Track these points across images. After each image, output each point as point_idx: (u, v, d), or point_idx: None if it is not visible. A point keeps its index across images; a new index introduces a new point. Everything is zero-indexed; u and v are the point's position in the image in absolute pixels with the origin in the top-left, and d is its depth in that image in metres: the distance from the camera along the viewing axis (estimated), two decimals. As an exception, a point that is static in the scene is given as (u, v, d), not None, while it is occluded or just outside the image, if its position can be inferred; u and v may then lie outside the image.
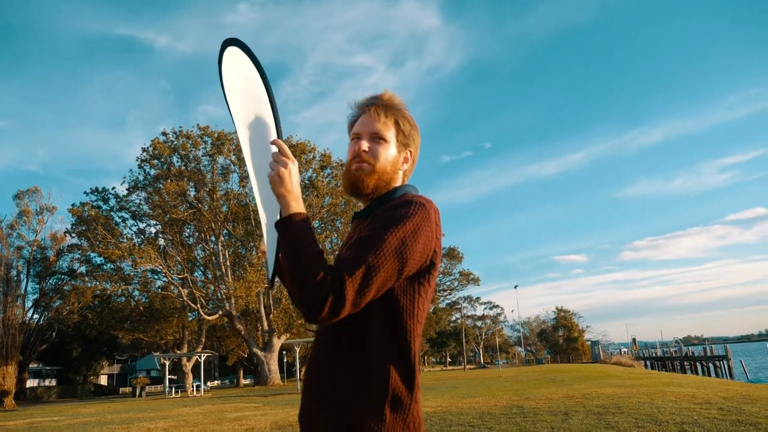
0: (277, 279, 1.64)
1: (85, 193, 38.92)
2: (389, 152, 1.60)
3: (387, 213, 1.43)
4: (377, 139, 1.59)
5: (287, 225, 1.37)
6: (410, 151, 1.67)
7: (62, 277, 45.30)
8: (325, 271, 1.28)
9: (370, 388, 1.36)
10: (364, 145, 1.58)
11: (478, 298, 76.69)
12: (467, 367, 63.04)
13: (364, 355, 1.38)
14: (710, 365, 49.60)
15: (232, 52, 1.53)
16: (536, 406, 11.24)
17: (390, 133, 1.61)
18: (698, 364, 51.25)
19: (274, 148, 1.46)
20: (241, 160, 36.46)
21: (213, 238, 38.02)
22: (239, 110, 1.55)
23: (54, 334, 48.95)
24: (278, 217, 1.42)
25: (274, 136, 1.53)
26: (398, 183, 1.64)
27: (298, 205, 1.40)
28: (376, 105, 1.62)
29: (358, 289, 1.28)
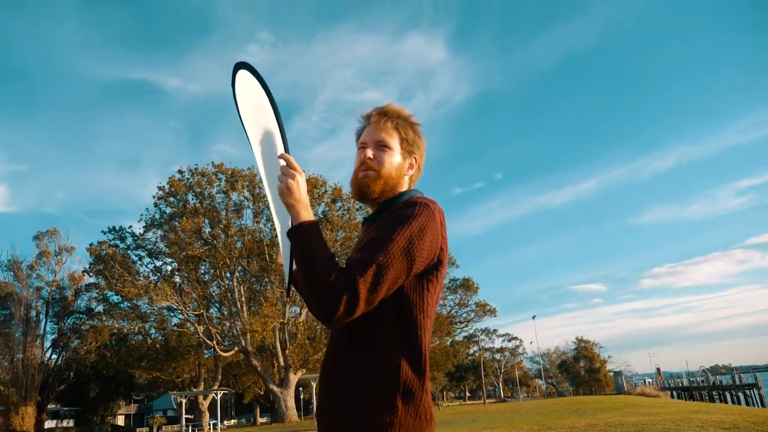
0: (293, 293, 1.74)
1: (102, 232, 39.42)
2: (394, 159, 1.69)
3: (393, 215, 1.51)
4: (381, 147, 1.69)
5: (298, 232, 1.46)
6: (415, 158, 1.75)
7: (80, 316, 45.67)
8: (338, 273, 1.36)
9: (381, 382, 1.42)
10: (369, 152, 1.68)
11: (495, 330, 75.89)
12: (487, 401, 61.93)
13: (376, 350, 1.45)
14: (740, 394, 48.21)
15: (243, 75, 1.66)
16: (557, 435, 10.95)
17: (394, 141, 1.70)
18: (727, 393, 49.84)
19: (282, 162, 1.58)
20: (255, 196, 36.81)
21: (228, 275, 38.11)
22: (252, 129, 1.66)
23: (72, 374, 49.09)
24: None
25: (281, 150, 1.64)
26: (404, 188, 1.73)
27: (307, 214, 1.49)
28: (381, 115, 1.72)
29: (371, 288, 1.36)
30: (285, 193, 1.50)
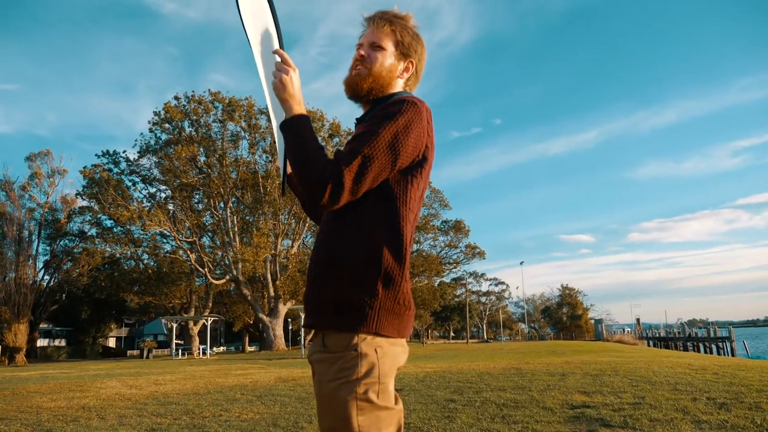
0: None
1: (96, 155, 39.18)
2: (386, 59, 1.72)
3: (381, 111, 1.56)
4: (375, 47, 1.72)
5: (289, 124, 1.54)
6: (411, 62, 1.78)
7: (73, 239, 45.85)
8: (325, 162, 1.45)
9: (363, 267, 1.49)
10: (362, 51, 1.73)
11: (483, 274, 77.07)
12: (470, 341, 63.55)
13: (359, 238, 1.52)
14: (713, 346, 49.80)
15: None
16: (534, 368, 11.45)
17: (388, 42, 1.73)
18: (701, 345, 51.45)
19: (277, 58, 1.64)
20: (251, 127, 36.54)
21: (222, 205, 38.26)
22: (251, 28, 1.68)
23: (64, 295, 49.71)
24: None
25: (277, 47, 1.69)
26: (397, 90, 1.76)
27: (299, 108, 1.57)
28: (379, 17, 1.75)
29: (355, 178, 1.43)
30: (279, 88, 1.57)
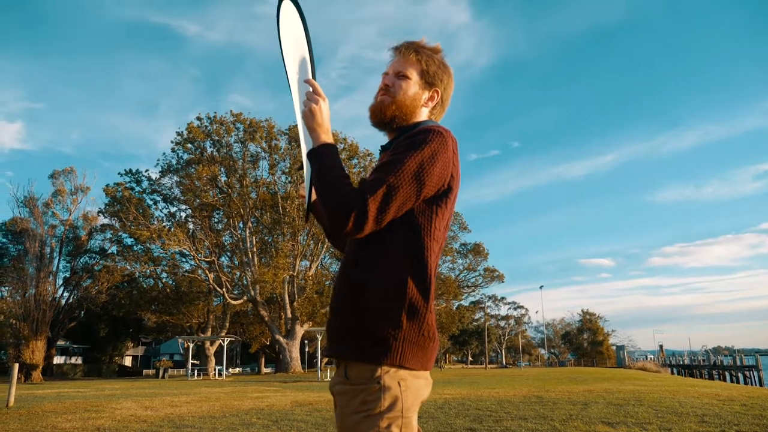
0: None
1: (119, 174, 39.85)
2: (410, 88, 1.72)
3: (407, 140, 1.56)
4: (400, 75, 1.73)
5: (317, 153, 1.55)
6: (437, 91, 1.77)
7: (93, 256, 46.28)
8: (350, 191, 1.45)
9: (387, 298, 1.47)
10: (387, 80, 1.74)
11: (502, 298, 76.36)
12: (489, 366, 62.71)
13: (384, 268, 1.51)
14: (740, 375, 48.52)
15: (287, 5, 1.74)
16: (556, 396, 11.16)
17: (413, 71, 1.73)
18: (727, 373, 50.17)
19: (309, 87, 1.66)
20: (272, 148, 36.85)
21: (241, 225, 38.48)
22: (290, 57, 1.72)
23: (82, 312, 50.01)
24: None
25: (309, 76, 1.74)
26: (421, 118, 1.75)
27: (327, 137, 1.58)
28: (406, 46, 1.75)
29: (380, 207, 1.43)
30: (308, 117, 1.59)
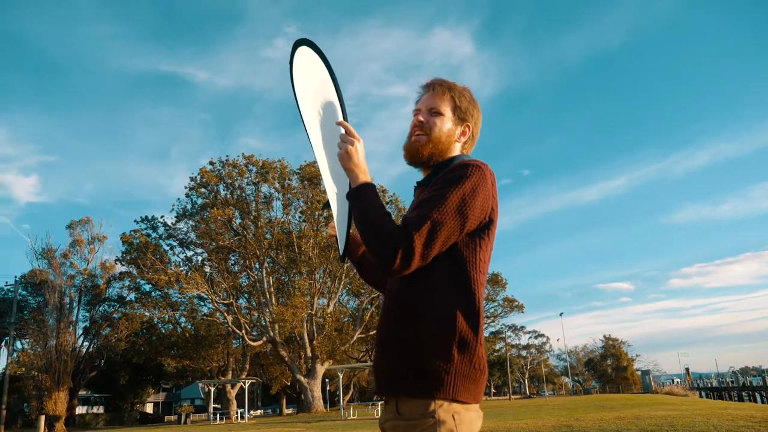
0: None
1: (135, 221, 40.35)
2: (445, 125, 1.76)
3: (447, 176, 1.59)
4: (434, 113, 1.77)
5: (358, 192, 1.59)
6: (468, 126, 1.82)
7: (112, 304, 46.54)
8: (393, 228, 1.48)
9: (438, 332, 1.49)
10: (422, 117, 1.77)
11: (522, 327, 75.37)
12: (512, 397, 61.65)
13: (432, 303, 1.52)
14: (770, 396, 47.30)
15: (303, 50, 1.79)
16: (586, 425, 10.97)
17: (446, 108, 1.77)
18: (757, 395, 48.95)
19: (342, 130, 1.71)
20: (285, 188, 37.17)
21: (257, 266, 38.58)
22: (310, 100, 1.77)
23: (103, 361, 50.04)
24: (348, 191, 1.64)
25: (341, 119, 1.79)
26: (454, 153, 1.79)
27: (365, 177, 1.63)
28: (438, 83, 1.80)
29: (426, 243, 1.45)
30: (345, 159, 1.63)
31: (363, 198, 1.56)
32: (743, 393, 50.37)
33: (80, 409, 56.87)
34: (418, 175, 1.84)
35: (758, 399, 48.01)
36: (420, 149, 1.74)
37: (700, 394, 53.01)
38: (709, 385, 59.15)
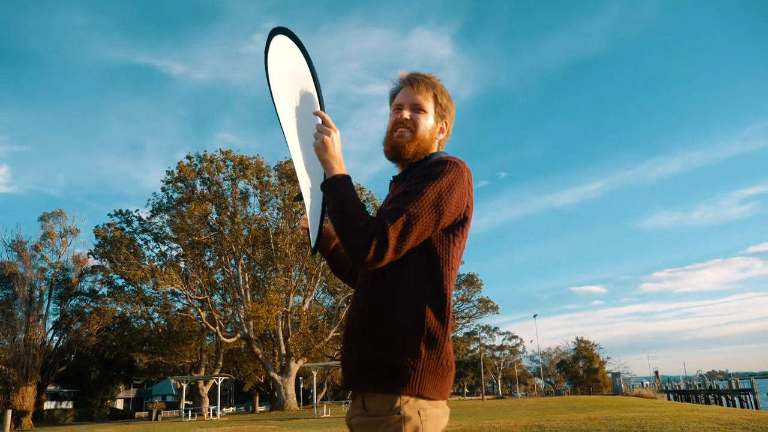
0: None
1: (109, 215, 39.63)
2: (428, 122, 1.76)
3: (424, 171, 1.58)
4: (417, 109, 1.75)
5: (333, 183, 1.56)
6: (446, 122, 1.83)
7: (84, 298, 45.76)
8: (369, 220, 1.46)
9: (406, 327, 1.49)
10: (406, 113, 1.75)
11: (496, 328, 75.89)
12: (485, 398, 62.09)
13: (402, 298, 1.52)
14: (735, 398, 48.33)
15: (280, 39, 1.74)
16: (557, 425, 11.12)
17: (429, 105, 1.77)
18: (723, 398, 49.97)
19: (318, 120, 1.68)
20: (263, 185, 36.94)
21: (233, 262, 38.31)
22: (285, 89, 1.72)
23: (73, 356, 49.24)
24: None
25: (318, 109, 1.73)
26: (434, 150, 1.79)
27: (340, 168, 1.59)
28: (418, 79, 1.78)
29: (400, 236, 1.44)
30: (320, 149, 1.60)
31: (338, 189, 1.54)
32: (710, 396, 51.34)
33: (48, 405, 55.81)
34: (394, 170, 1.83)
35: (724, 402, 48.98)
36: (406, 146, 1.72)
37: (669, 396, 53.89)
38: (678, 388, 60.21)
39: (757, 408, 42.63)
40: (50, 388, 54.17)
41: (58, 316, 45.32)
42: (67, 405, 60.20)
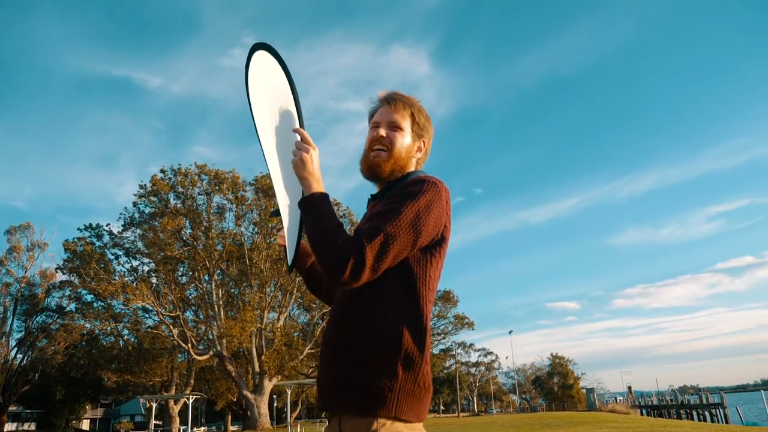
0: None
1: (78, 229, 38.77)
2: (405, 140, 1.75)
3: (402, 190, 1.57)
4: (394, 127, 1.74)
5: (311, 201, 1.54)
6: (424, 141, 1.82)
7: (50, 315, 44.59)
8: (346, 238, 1.44)
9: (383, 349, 1.46)
10: (382, 131, 1.74)
11: (472, 345, 75.96)
12: (461, 414, 61.92)
13: (379, 319, 1.49)
14: (706, 413, 49.07)
15: (261, 54, 1.72)
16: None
17: (406, 123, 1.76)
18: (694, 412, 50.68)
19: (297, 137, 1.66)
20: (238, 199, 36.61)
21: (206, 278, 37.75)
22: (265, 105, 1.70)
23: (37, 375, 47.90)
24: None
25: (297, 126, 1.72)
26: (412, 169, 1.78)
27: (319, 186, 1.57)
28: (395, 98, 1.78)
29: (377, 255, 1.42)
30: (299, 166, 1.58)
31: (315, 207, 1.52)
32: (681, 411, 51.96)
33: (9, 426, 54.10)
34: (372, 188, 1.82)
35: (695, 417, 49.67)
36: (382, 165, 1.71)
37: (641, 411, 54.33)
38: (650, 403, 60.71)
39: (726, 422, 43.25)
40: (12, 408, 52.45)
41: (23, 333, 44.13)
42: (30, 426, 58.31)
